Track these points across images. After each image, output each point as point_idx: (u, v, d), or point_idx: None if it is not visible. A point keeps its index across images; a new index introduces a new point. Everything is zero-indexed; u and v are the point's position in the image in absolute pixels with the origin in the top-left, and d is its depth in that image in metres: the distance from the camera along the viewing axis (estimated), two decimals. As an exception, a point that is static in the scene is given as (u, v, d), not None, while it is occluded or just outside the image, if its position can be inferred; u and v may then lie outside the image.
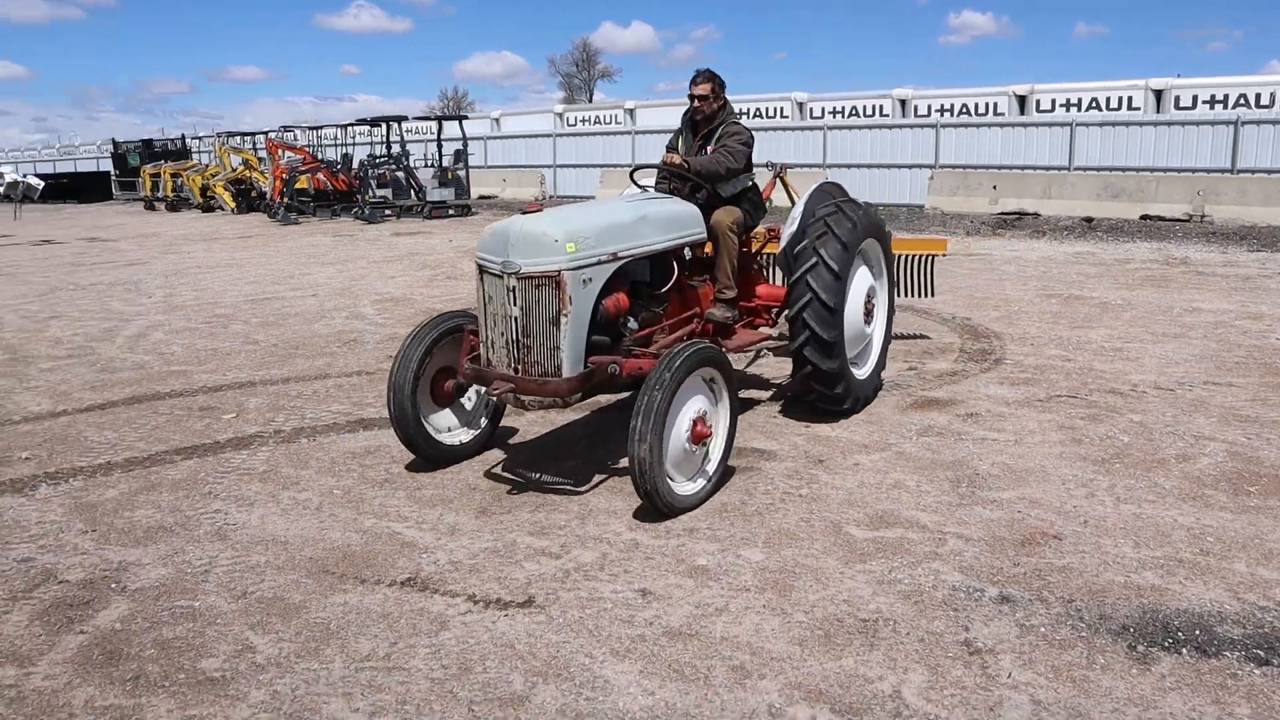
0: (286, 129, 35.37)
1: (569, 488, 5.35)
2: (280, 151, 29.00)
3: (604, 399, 6.92)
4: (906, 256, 8.96)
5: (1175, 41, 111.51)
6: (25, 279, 15.58)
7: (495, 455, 6.02)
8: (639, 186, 6.64)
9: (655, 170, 6.51)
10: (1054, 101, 28.75)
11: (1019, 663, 3.54)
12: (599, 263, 5.19)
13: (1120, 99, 27.55)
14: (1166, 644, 3.64)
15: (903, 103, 31.26)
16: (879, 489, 5.26)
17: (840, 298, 6.07)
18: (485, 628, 3.86)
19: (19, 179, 31.30)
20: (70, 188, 41.45)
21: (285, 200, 26.35)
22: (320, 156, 30.79)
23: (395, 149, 28.21)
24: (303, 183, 27.98)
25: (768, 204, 6.91)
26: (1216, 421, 6.29)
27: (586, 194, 27.97)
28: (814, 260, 6.02)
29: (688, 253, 6.14)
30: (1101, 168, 21.83)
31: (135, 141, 43.26)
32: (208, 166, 33.95)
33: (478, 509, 5.12)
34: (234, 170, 31.40)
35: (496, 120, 41.46)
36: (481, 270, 5.23)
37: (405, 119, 29.28)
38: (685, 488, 5.03)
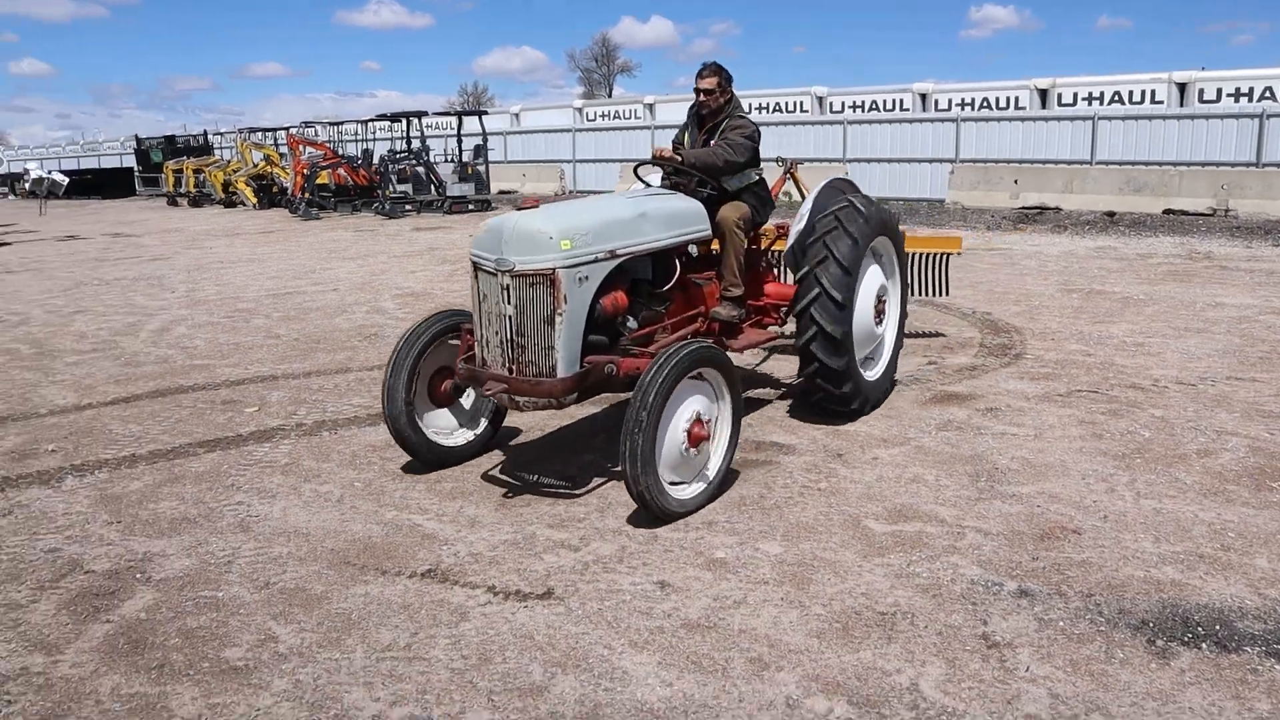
0: (307, 125, 35.58)
1: (566, 490, 5.27)
2: (301, 147, 29.16)
3: (618, 396, 6.92)
4: (921, 255, 8.76)
5: (1200, 35, 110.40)
6: (51, 274, 15.75)
7: (496, 456, 6.03)
8: (644, 182, 6.46)
9: (662, 166, 6.34)
10: (1076, 95, 28.51)
11: (1037, 657, 3.54)
12: (595, 260, 5.06)
13: (1143, 92, 27.31)
14: (1186, 639, 3.63)
15: (923, 97, 31.10)
16: (898, 483, 5.26)
17: (850, 294, 5.95)
18: (505, 619, 3.89)
19: (44, 175, 31.61)
20: (94, 184, 41.83)
21: (306, 196, 26.51)
22: (341, 152, 30.95)
23: (415, 144, 28.29)
24: (324, 178, 28.15)
25: (786, 199, 6.87)
26: (1239, 416, 6.25)
27: (606, 188, 27.97)
28: (823, 255, 5.91)
29: (694, 250, 6.03)
30: (1124, 162, 21.67)
31: (158, 138, 43.65)
32: (230, 162, 34.20)
33: (497, 501, 5.15)
34: (255, 166, 31.62)
35: (516, 115, 41.53)
36: (476, 267, 5.12)
37: (425, 114, 29.36)
38: (682, 491, 4.90)
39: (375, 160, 29.06)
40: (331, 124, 35.45)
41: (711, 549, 4.49)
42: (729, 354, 6.18)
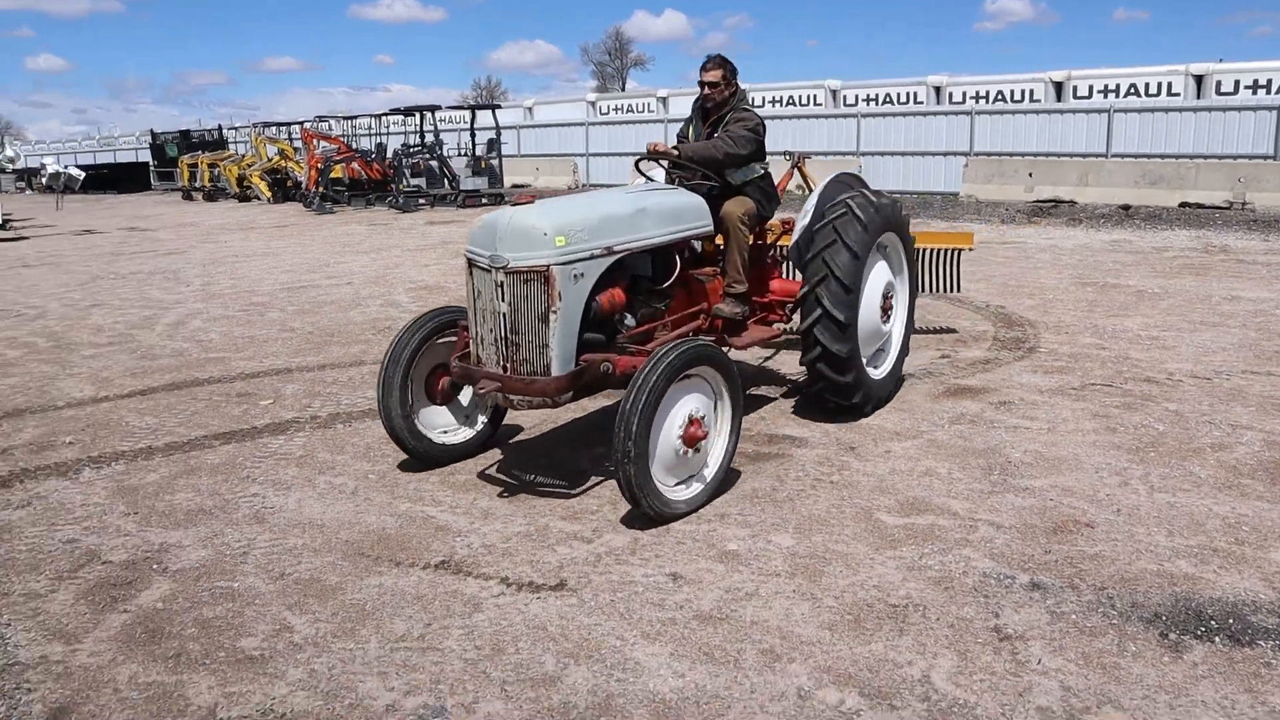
0: (321, 119, 35.69)
1: (563, 490, 5.20)
2: (315, 141, 29.25)
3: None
4: (932, 250, 8.64)
5: (1218, 27, 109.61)
6: (68, 268, 15.85)
7: (496, 454, 6.04)
8: (646, 177, 6.35)
9: (658, 160, 6.23)
10: (1091, 88, 28.39)
11: (1049, 649, 3.54)
12: (591, 257, 4.97)
13: (1160, 84, 27.16)
14: (1199, 632, 3.63)
15: (937, 90, 30.98)
16: (910, 476, 5.26)
17: (854, 296, 5.81)
18: (518, 610, 3.92)
19: (60, 170, 31.78)
20: (110, 178, 42.01)
21: (320, 190, 26.57)
22: (355, 146, 31.05)
23: (429, 138, 28.34)
24: (337, 172, 28.20)
25: (800, 192, 6.82)
26: (1254, 410, 6.23)
27: (620, 182, 27.98)
28: (826, 269, 5.74)
29: (698, 245, 5.95)
30: (1140, 155, 21.55)
31: (173, 132, 43.82)
32: (244, 157, 34.30)
33: (510, 494, 5.17)
34: (270, 160, 31.71)
35: (529, 109, 41.54)
36: (470, 264, 5.05)
37: (439, 108, 29.40)
38: (679, 492, 4.81)
39: (389, 154, 29.12)
40: (345, 118, 35.54)
41: (724, 541, 4.50)
42: (733, 351, 6.13)
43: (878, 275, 6.30)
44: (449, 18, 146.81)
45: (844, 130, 26.49)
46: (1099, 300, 10.24)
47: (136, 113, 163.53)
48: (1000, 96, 29.40)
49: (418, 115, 28.94)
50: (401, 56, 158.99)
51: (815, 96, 33.35)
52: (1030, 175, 21.54)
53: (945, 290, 8.80)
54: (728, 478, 5.15)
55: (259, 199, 31.00)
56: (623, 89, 69.21)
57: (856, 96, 32.49)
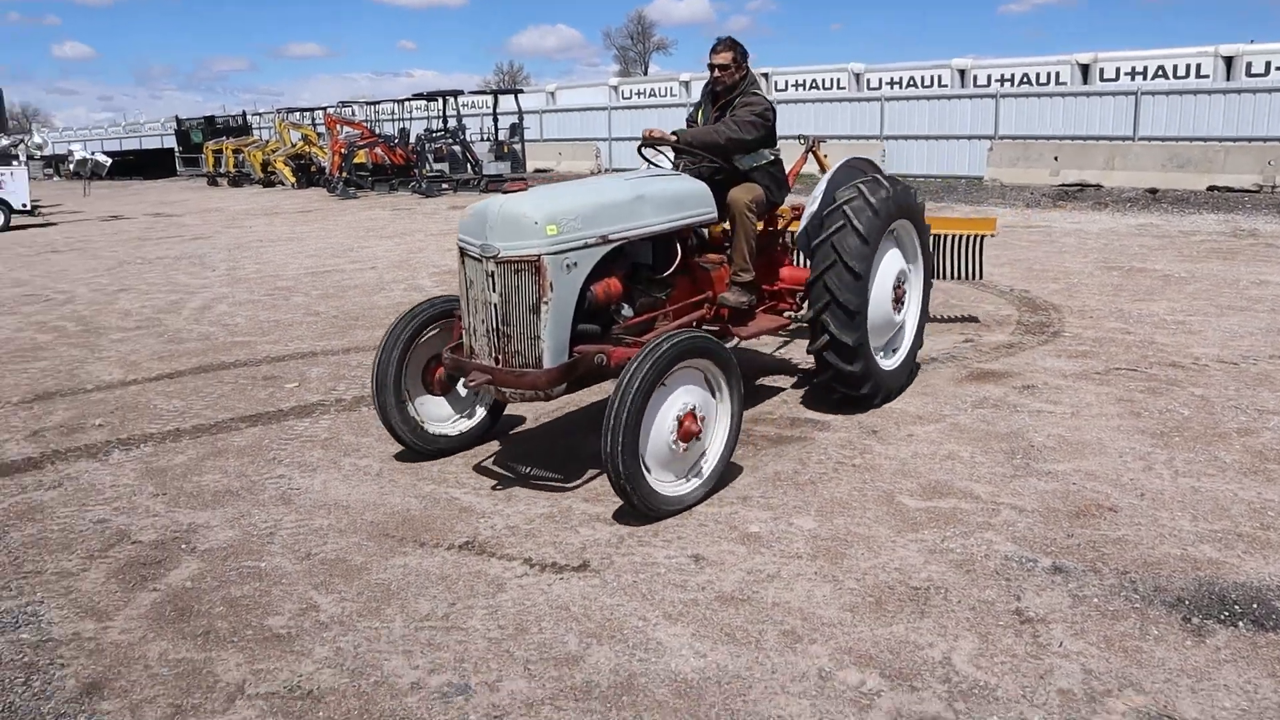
0: (345, 104, 35.88)
1: (558, 484, 5.09)
2: (339, 127, 29.36)
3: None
4: (953, 237, 8.38)
5: (1249, 7, 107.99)
6: (95, 253, 16.01)
7: (495, 445, 6.01)
8: (651, 163, 6.10)
9: (656, 147, 6.02)
10: (1118, 70, 28.09)
11: (1071, 632, 3.54)
12: (585, 246, 4.81)
13: (1188, 66, 26.83)
14: (1223, 617, 3.62)
15: (962, 73, 30.73)
16: (932, 460, 5.26)
17: (861, 294, 5.68)
18: (541, 590, 3.95)
19: (88, 156, 32.05)
20: (136, 164, 42.32)
21: (344, 175, 26.69)
22: (378, 131, 31.12)
23: (452, 123, 28.39)
24: (361, 157, 28.30)
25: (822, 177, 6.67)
26: (1281, 395, 6.18)
27: (661, 164, 27.94)
28: (841, 225, 5.63)
29: (706, 233, 5.83)
30: (1167, 138, 21.30)
31: (198, 119, 44.04)
32: (268, 142, 34.48)
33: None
34: (294, 146, 31.84)
35: (552, 94, 41.50)
36: (462, 253, 4.93)
37: (461, 93, 29.45)
38: (674, 488, 4.68)
39: (412, 139, 29.19)
40: (368, 103, 35.69)
41: (746, 523, 4.52)
42: (740, 341, 5.99)
43: (890, 263, 6.12)
44: (471, 2, 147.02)
45: (867, 114, 26.33)
46: (1124, 284, 10.16)
47: (162, 99, 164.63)
48: (1026, 79, 29.15)
49: (440, 100, 28.98)
50: (424, 42, 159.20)
51: (839, 80, 33.14)
52: (1056, 159, 21.35)
53: (968, 277, 8.53)
54: (729, 470, 5.08)
55: (283, 184, 31.15)
56: (645, 73, 68.98)
57: (880, 80, 32.28)
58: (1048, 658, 3.38)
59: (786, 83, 33.82)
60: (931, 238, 8.12)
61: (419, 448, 5.46)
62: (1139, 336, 7.83)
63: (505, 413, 5.93)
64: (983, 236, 8.32)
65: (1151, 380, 6.59)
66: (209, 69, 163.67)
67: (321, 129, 31.53)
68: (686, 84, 37.06)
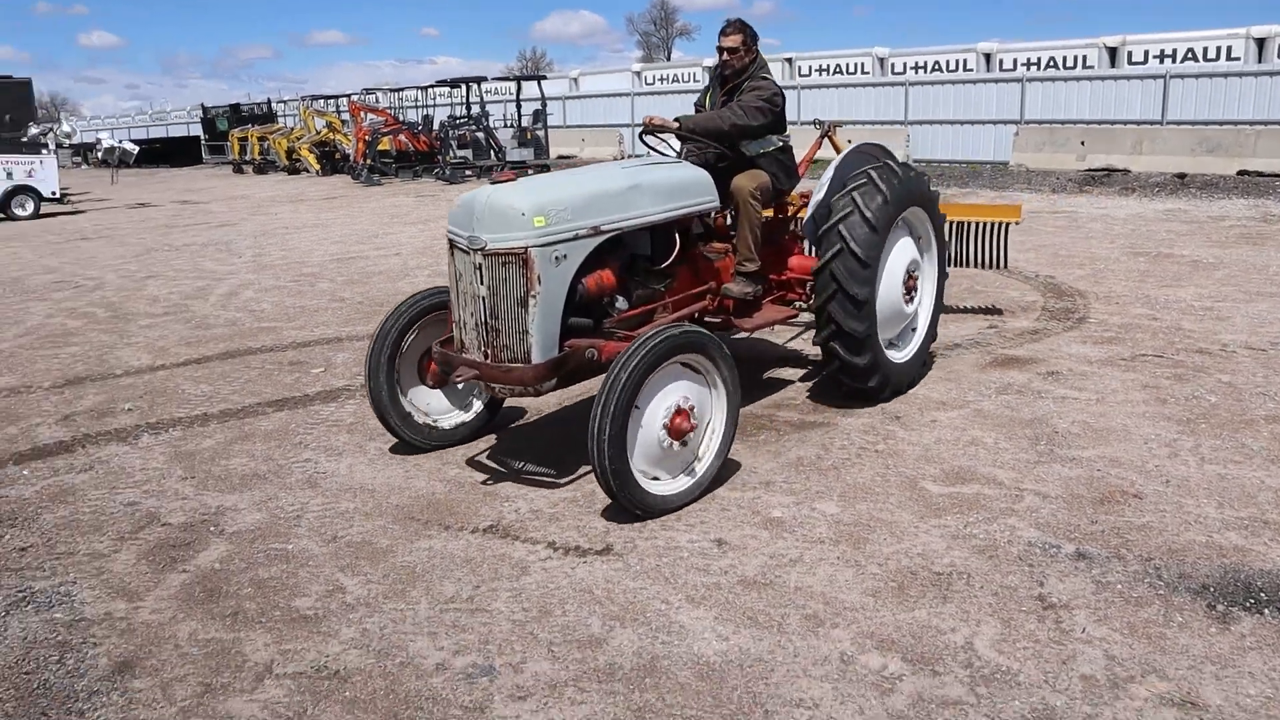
0: (368, 91, 35.90)
1: (550, 479, 5.01)
2: (363, 114, 29.45)
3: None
4: (977, 225, 8.20)
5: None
6: (123, 240, 16.17)
7: (510, 437, 5.99)
8: (656, 151, 5.89)
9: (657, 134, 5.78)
10: (1147, 53, 27.71)
11: (1094, 618, 3.53)
12: (575, 238, 4.68)
13: (1219, 49, 26.43)
14: (1248, 604, 3.60)
15: (987, 57, 30.42)
16: (956, 445, 5.24)
17: (870, 283, 5.51)
18: (565, 573, 3.98)
19: (115, 144, 32.26)
20: (162, 152, 42.59)
21: (368, 162, 26.78)
22: (401, 118, 31.18)
23: (475, 110, 28.41)
24: (385, 144, 28.40)
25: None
26: (1310, 382, 6.12)
27: (666, 151, 27.87)
28: (849, 211, 5.49)
29: (713, 221, 5.71)
30: (1197, 121, 21.04)
31: (223, 106, 44.28)
32: (293, 130, 34.63)
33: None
34: (318, 133, 31.97)
35: (575, 80, 41.43)
36: (451, 245, 4.82)
37: (484, 80, 29.43)
38: (665, 486, 4.56)
39: (435, 126, 29.25)
40: (392, 90, 35.70)
41: (768, 508, 4.53)
42: (750, 333, 5.87)
43: (901, 252, 5.95)
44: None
45: (892, 99, 26.15)
46: (1151, 270, 10.07)
47: (187, 88, 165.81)
48: (1052, 63, 28.84)
49: (464, 87, 29.01)
50: (447, 29, 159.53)
51: (862, 65, 32.90)
52: (1082, 144, 21.13)
53: (993, 266, 8.30)
54: (751, 457, 5.13)
55: (308, 171, 31.30)
56: (668, 59, 68.76)
57: (905, 64, 32.02)
58: (1070, 643, 3.38)
59: (810, 68, 33.62)
60: (955, 225, 8.09)
61: (415, 441, 5.38)
62: (1166, 323, 7.77)
63: (505, 405, 5.83)
64: (1008, 224, 8.10)
65: (1178, 367, 6.54)
66: (234, 57, 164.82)
67: (346, 116, 31.61)
68: (709, 69, 36.91)
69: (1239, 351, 6.85)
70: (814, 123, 7.32)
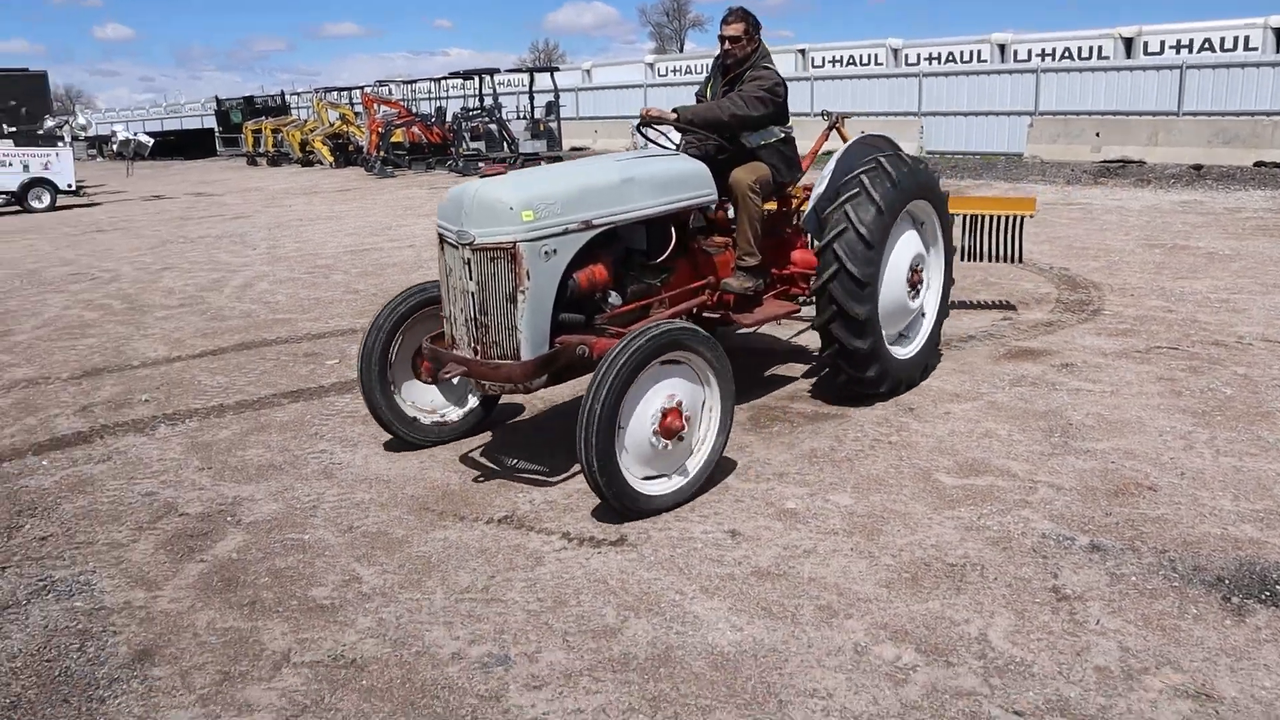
0: (382, 84, 35.90)
1: (543, 477, 4.96)
2: (376, 106, 29.49)
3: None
4: (991, 218, 8.09)
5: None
6: (138, 232, 16.25)
7: (505, 433, 5.94)
8: (654, 144, 5.78)
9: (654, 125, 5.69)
10: (1163, 43, 27.51)
11: (1108, 610, 3.53)
12: (565, 232, 4.60)
13: (1236, 39, 26.23)
14: (1263, 597, 3.60)
15: (1001, 48, 30.25)
16: (969, 437, 5.24)
17: (873, 265, 5.37)
18: (579, 564, 4.00)
19: (130, 137, 32.40)
20: (177, 145, 42.75)
21: (381, 154, 26.83)
22: (415, 110, 31.22)
23: (488, 102, 28.41)
24: (398, 136, 28.44)
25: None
26: (1327, 374, 6.09)
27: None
28: (843, 226, 5.32)
29: (719, 214, 5.64)
30: (1213, 112, 20.90)
31: (237, 99, 44.41)
32: (306, 122, 34.69)
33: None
34: (332, 125, 32.04)
35: (588, 72, 41.37)
36: (441, 239, 4.76)
37: (497, 72, 29.44)
38: (656, 486, 4.47)
39: (449, 118, 29.28)
40: (405, 82, 35.73)
41: (782, 499, 4.54)
42: (756, 329, 5.78)
43: (906, 244, 5.81)
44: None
45: (905, 90, 26.04)
46: (1167, 262, 10.02)
47: (201, 80, 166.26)
48: (1067, 54, 28.65)
49: (477, 79, 28.99)
50: (460, 20, 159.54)
51: (876, 56, 32.75)
52: (1097, 135, 21.02)
53: (1008, 260, 8.21)
54: (765, 450, 5.12)
55: (321, 164, 31.35)
56: (681, 50, 68.62)
57: (918, 55, 31.87)
58: (1085, 635, 3.39)
59: (823, 59, 33.49)
60: (969, 219, 8.02)
61: (409, 437, 5.33)
62: (1181, 315, 7.73)
63: (501, 401, 5.74)
64: (1022, 217, 8.00)
65: (1193, 359, 6.51)
66: (248, 49, 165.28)
67: (359, 108, 31.67)
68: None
69: (1255, 344, 6.82)
70: (822, 114, 7.27)
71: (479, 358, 4.63)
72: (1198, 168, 18.43)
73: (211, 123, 47.26)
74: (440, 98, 32.33)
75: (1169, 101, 21.73)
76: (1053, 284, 9.14)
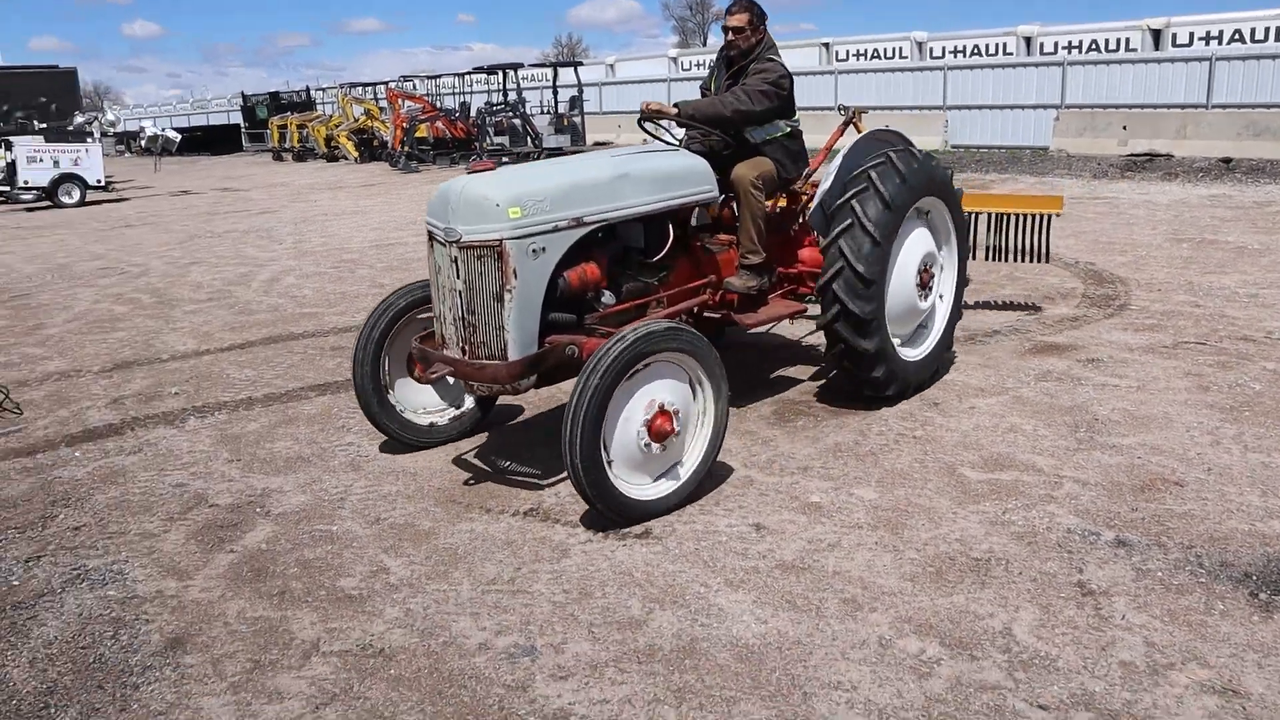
0: (406, 79, 36.06)
1: (535, 481, 4.88)
2: (400, 101, 29.63)
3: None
4: (1017, 217, 7.84)
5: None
6: (167, 227, 16.41)
7: (506, 432, 5.80)
8: (655, 139, 5.66)
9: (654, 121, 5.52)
10: (1192, 35, 27.21)
11: (1133, 605, 3.53)
12: (555, 230, 4.49)
13: (1267, 29, 25.86)
14: (1291, 592, 3.58)
15: (1028, 40, 30.01)
16: (994, 432, 5.23)
17: (879, 262, 5.23)
18: (605, 556, 4.03)
19: (158, 133, 32.75)
20: (203, 140, 43.13)
21: (406, 149, 26.98)
22: (439, 105, 31.34)
23: (512, 96, 28.48)
24: (422, 131, 28.58)
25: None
26: (1357, 370, 6.03)
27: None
28: (849, 221, 5.21)
29: (724, 212, 5.54)
30: (1243, 105, 20.66)
31: (263, 94, 44.66)
32: (331, 117, 34.92)
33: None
34: (356, 120, 32.24)
35: (611, 66, 41.38)
36: (430, 236, 4.68)
37: (521, 66, 29.49)
38: (645, 490, 4.36)
39: (472, 113, 29.38)
40: (429, 77, 35.85)
41: (806, 493, 4.56)
42: (767, 328, 5.70)
43: (916, 242, 5.65)
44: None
45: (930, 84, 25.88)
46: (1195, 257, 9.94)
47: (227, 76, 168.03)
48: (1094, 46, 28.41)
49: (500, 74, 29.09)
50: (483, 15, 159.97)
51: (901, 49, 32.58)
52: (1124, 128, 20.83)
53: (1034, 260, 7.94)
54: (789, 444, 5.12)
55: (346, 159, 31.54)
56: (704, 44, 68.42)
57: (944, 48, 31.67)
58: (1110, 630, 3.38)
59: (847, 52, 33.34)
60: (995, 217, 7.83)
61: (403, 438, 5.27)
62: (1209, 310, 7.67)
63: (499, 402, 5.66)
64: (1050, 216, 7.76)
65: (1221, 354, 6.47)
66: (273, 45, 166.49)
67: (383, 103, 31.83)
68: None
69: (1284, 339, 6.76)
70: (839, 108, 7.18)
71: (466, 357, 4.55)
72: (1226, 161, 18.23)
73: (238, 118, 47.57)
74: (464, 92, 32.46)
75: (1198, 94, 21.49)
76: (1079, 279, 9.08)
